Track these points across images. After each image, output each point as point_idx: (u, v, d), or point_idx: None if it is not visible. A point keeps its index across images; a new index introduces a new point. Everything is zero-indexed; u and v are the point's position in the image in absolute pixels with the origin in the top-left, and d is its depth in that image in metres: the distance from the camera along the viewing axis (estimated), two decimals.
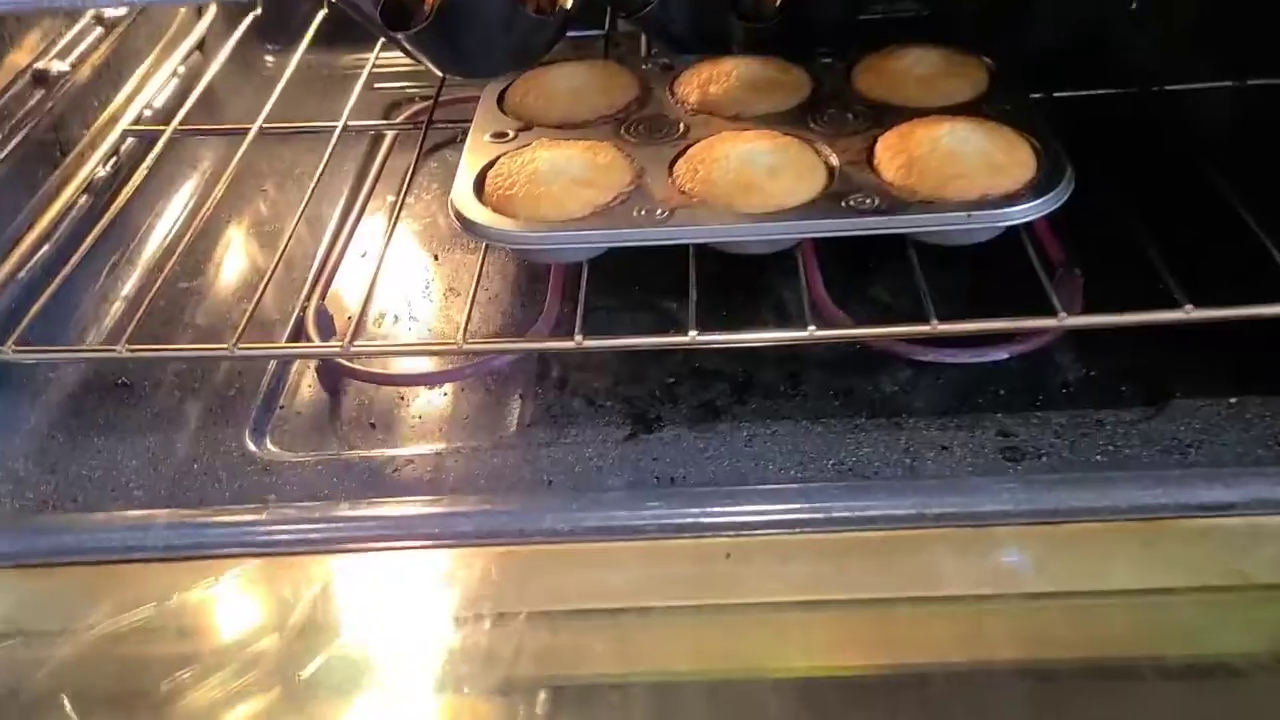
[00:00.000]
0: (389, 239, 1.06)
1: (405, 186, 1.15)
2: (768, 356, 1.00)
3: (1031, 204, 0.91)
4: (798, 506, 0.84)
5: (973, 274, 1.01)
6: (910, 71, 1.07)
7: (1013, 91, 1.06)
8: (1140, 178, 1.07)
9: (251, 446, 0.95)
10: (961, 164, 0.93)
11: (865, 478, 0.87)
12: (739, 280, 1.06)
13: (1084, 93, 1.18)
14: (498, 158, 1.02)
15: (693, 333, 0.90)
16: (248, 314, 0.95)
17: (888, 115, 1.03)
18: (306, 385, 1.03)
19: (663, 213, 0.93)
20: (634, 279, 1.09)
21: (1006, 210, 0.90)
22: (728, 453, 0.91)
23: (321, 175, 1.14)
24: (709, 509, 0.84)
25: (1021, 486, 0.84)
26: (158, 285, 1.01)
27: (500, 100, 1.13)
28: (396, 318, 1.11)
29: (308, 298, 1.07)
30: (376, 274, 1.02)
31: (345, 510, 0.87)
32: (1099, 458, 0.87)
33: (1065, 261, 1.01)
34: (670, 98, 1.10)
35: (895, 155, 0.96)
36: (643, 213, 0.93)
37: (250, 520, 0.87)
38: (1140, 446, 0.88)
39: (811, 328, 0.89)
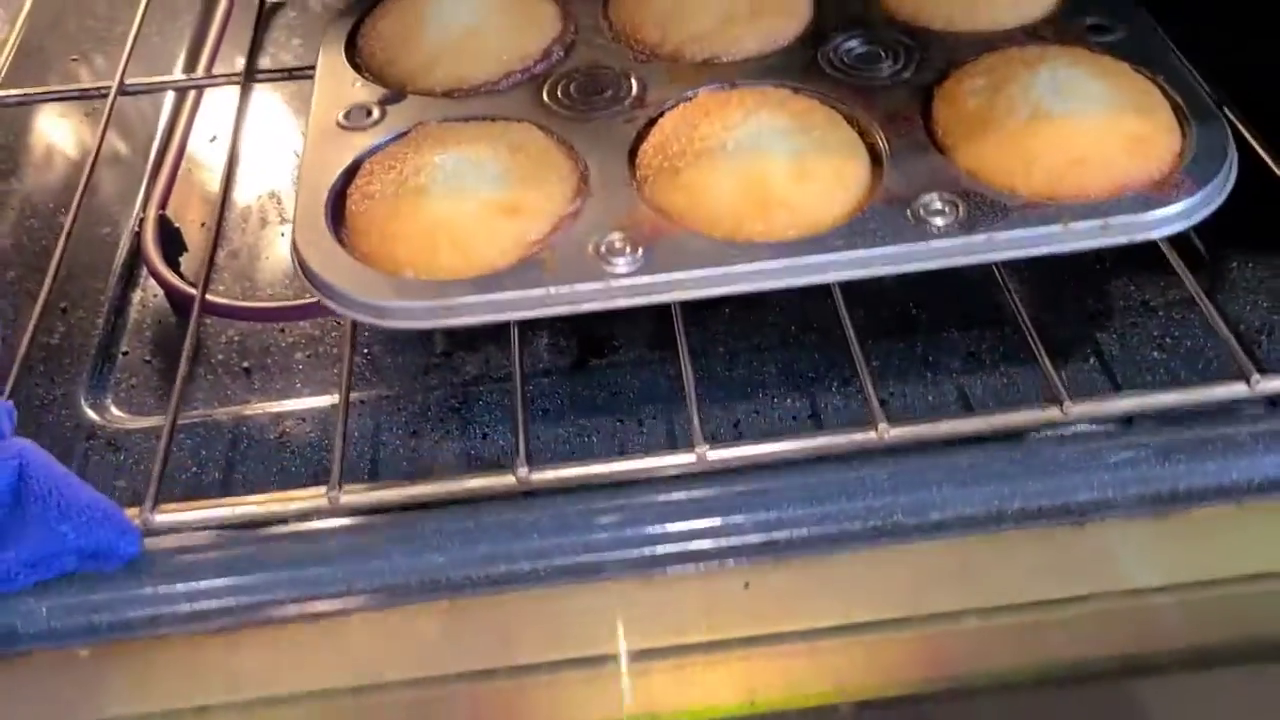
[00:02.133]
0: (241, 115, 0.82)
1: (256, 43, 0.89)
2: None
3: (1194, 198, 0.59)
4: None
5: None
6: None
7: None
8: None
9: (89, 412, 0.71)
10: (1082, 139, 0.60)
11: None
12: (739, 326, 0.73)
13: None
14: (360, 160, 0.66)
15: (702, 448, 0.58)
16: (65, 232, 0.72)
17: (935, 47, 0.70)
18: (154, 321, 0.78)
19: (632, 254, 0.59)
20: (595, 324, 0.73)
21: (1160, 214, 0.59)
22: None
23: (140, 33, 0.88)
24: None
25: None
26: None
27: (351, 45, 0.76)
28: (265, 220, 0.85)
29: (144, 205, 0.83)
30: (231, 165, 0.80)
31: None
32: None
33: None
34: (607, 30, 0.75)
35: (970, 123, 0.63)
36: (602, 251, 0.59)
37: None
38: None
39: (883, 425, 0.57)
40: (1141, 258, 0.66)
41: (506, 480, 0.57)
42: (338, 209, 0.64)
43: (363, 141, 0.67)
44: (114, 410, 0.72)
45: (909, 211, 0.60)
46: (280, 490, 0.62)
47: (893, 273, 0.59)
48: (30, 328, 0.68)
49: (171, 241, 0.81)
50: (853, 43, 0.71)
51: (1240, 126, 0.70)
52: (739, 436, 0.65)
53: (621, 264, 0.58)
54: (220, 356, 0.75)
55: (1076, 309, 0.71)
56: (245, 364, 0.74)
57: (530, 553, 0.57)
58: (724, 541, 0.58)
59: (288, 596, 0.57)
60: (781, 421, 0.66)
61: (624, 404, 0.68)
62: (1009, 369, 0.68)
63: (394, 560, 0.58)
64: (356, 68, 0.73)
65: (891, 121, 0.65)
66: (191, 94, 0.95)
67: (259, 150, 0.91)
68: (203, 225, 0.84)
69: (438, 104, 0.69)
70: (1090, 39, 0.69)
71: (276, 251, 0.83)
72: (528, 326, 0.70)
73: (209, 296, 0.73)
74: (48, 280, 0.70)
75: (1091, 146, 0.60)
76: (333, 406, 0.68)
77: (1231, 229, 0.64)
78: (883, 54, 0.70)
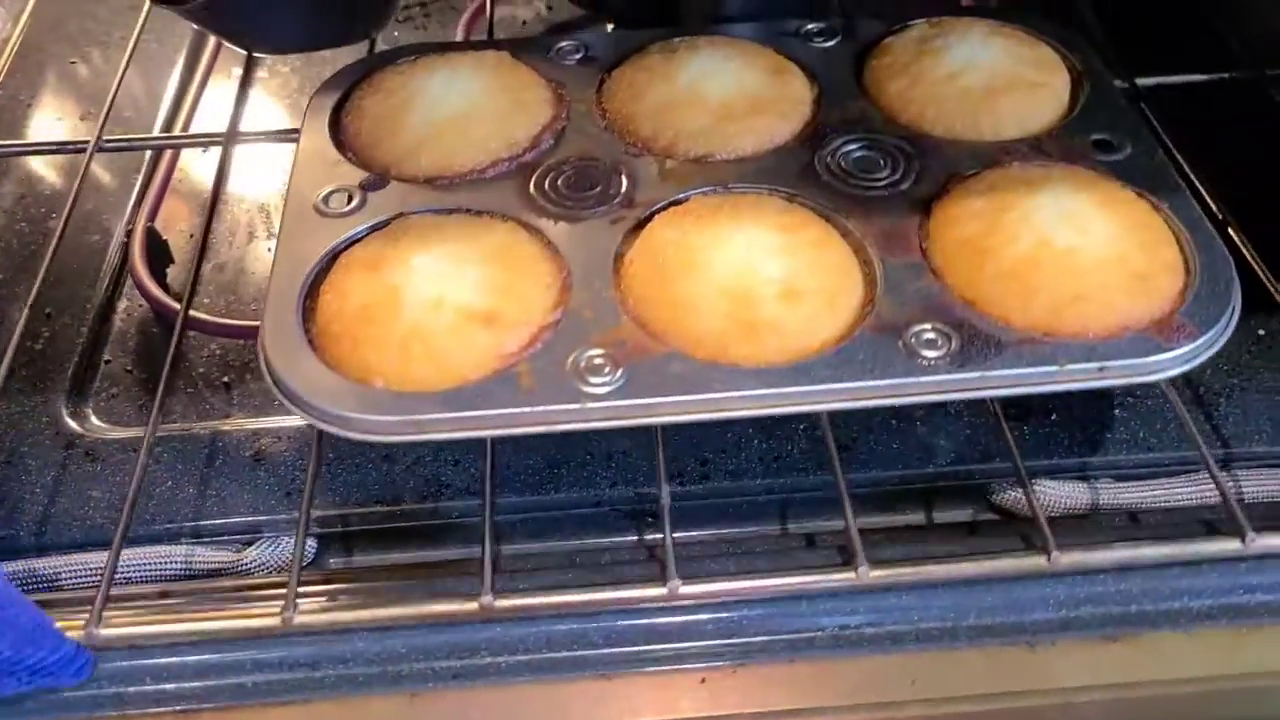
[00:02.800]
0: (234, 125, 0.82)
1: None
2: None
3: (1195, 343, 0.57)
4: None
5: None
6: (956, 80, 0.71)
7: (1112, 104, 0.71)
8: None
9: (69, 421, 0.71)
10: (1084, 274, 0.58)
11: None
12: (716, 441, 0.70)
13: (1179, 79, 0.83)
14: (336, 254, 0.64)
15: (673, 583, 0.55)
16: (56, 236, 0.72)
17: (935, 156, 0.68)
18: (137, 332, 0.78)
19: (612, 374, 0.57)
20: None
21: (1162, 358, 0.57)
22: None
23: (141, 40, 0.88)
24: None
25: None
26: None
27: (336, 116, 0.73)
28: (252, 234, 0.85)
29: (132, 218, 0.84)
30: (221, 179, 0.81)
31: None
32: None
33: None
34: (600, 118, 0.73)
35: (968, 250, 0.61)
36: (580, 369, 0.57)
37: None
38: None
39: (864, 568, 0.55)
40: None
41: (470, 608, 0.55)
42: (311, 297, 0.62)
43: (340, 230, 0.65)
44: (94, 420, 0.72)
45: (900, 342, 0.57)
46: (250, 514, 0.64)
47: (881, 405, 0.57)
48: (17, 333, 0.68)
49: (159, 254, 0.82)
50: (851, 145, 0.69)
51: (1244, 250, 0.69)
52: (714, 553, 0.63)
53: (600, 384, 0.56)
54: (201, 370, 0.75)
55: (1068, 451, 0.69)
56: (225, 379, 0.74)
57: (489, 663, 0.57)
58: (685, 649, 0.58)
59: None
60: (757, 543, 0.64)
61: (597, 520, 0.66)
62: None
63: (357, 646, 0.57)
64: (339, 144, 0.71)
65: (887, 240, 0.63)
66: (188, 101, 0.95)
67: (250, 162, 0.91)
68: (191, 236, 0.84)
69: (420, 193, 0.67)
70: (1094, 156, 0.67)
71: (262, 267, 0.82)
72: None
73: (192, 311, 0.73)
74: (35, 285, 0.70)
75: (1092, 284, 0.58)
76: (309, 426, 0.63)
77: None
78: (881, 160, 0.68)
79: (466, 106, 0.70)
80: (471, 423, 0.56)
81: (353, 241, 0.64)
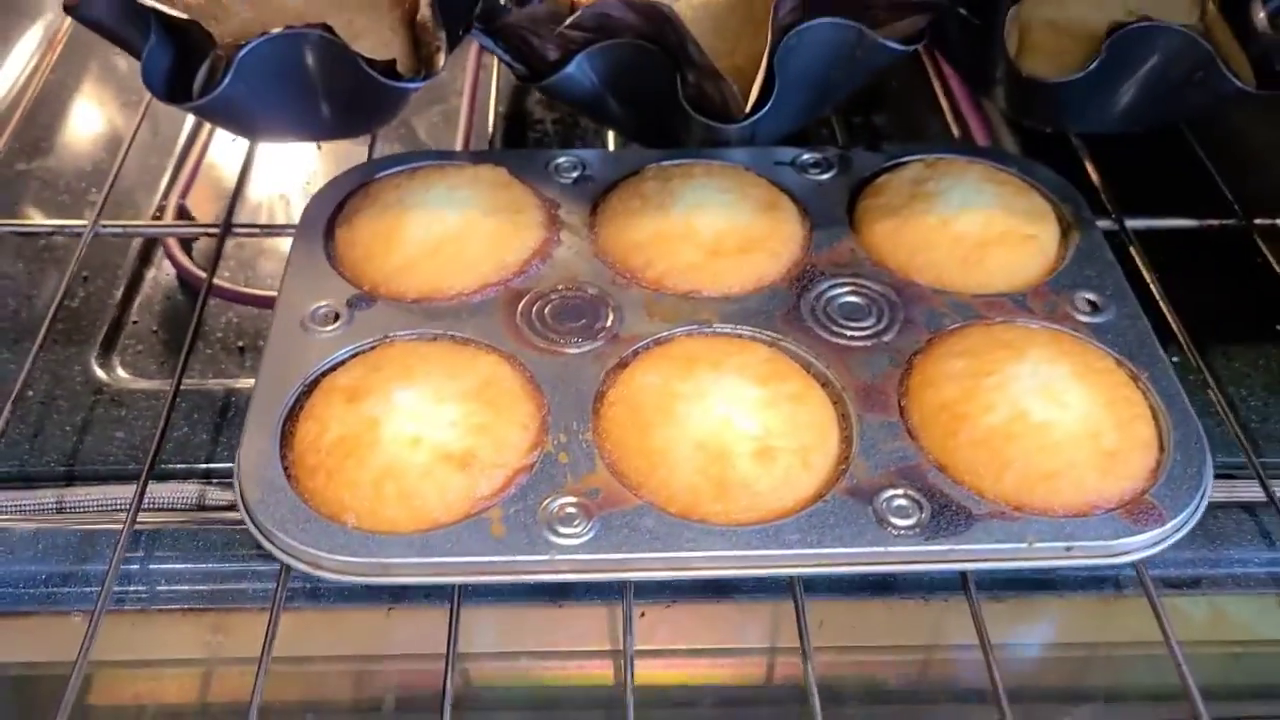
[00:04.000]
0: (230, 216, 0.84)
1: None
2: None
3: (1162, 528, 0.58)
4: None
5: None
6: (948, 228, 0.72)
7: (1099, 259, 0.72)
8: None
9: (99, 371, 0.79)
10: (1056, 450, 0.59)
11: None
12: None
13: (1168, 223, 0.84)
14: (317, 380, 0.64)
15: None
16: (98, 203, 0.82)
17: (920, 306, 0.69)
18: (163, 297, 0.86)
19: (583, 525, 0.57)
20: None
21: (1129, 541, 0.57)
22: None
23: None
24: None
25: None
26: None
27: (330, 228, 0.74)
28: (272, 218, 0.94)
29: (165, 195, 0.92)
30: (247, 166, 0.87)
31: None
32: None
33: None
34: (591, 244, 0.73)
35: (945, 415, 0.61)
36: (551, 518, 0.57)
37: None
38: None
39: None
40: None
41: None
42: (291, 419, 0.62)
43: (325, 350, 0.65)
44: (120, 372, 0.80)
45: (871, 508, 0.58)
46: None
47: (850, 573, 0.57)
48: (59, 292, 0.76)
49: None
50: (838, 290, 0.69)
51: (1227, 418, 0.69)
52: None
53: (570, 534, 0.56)
54: (219, 335, 0.83)
55: None
56: (240, 343, 0.82)
57: None
58: None
59: None
60: None
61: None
62: None
63: None
64: (331, 255, 0.72)
65: (866, 395, 0.63)
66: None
67: (274, 155, 0.98)
68: (216, 216, 0.89)
69: (407, 314, 0.67)
70: (1077, 316, 0.68)
71: (279, 248, 0.89)
72: None
73: (215, 280, 0.80)
74: (78, 252, 0.79)
75: (1065, 461, 0.58)
76: None
77: None
78: (866, 307, 0.69)
79: (460, 226, 0.71)
80: (438, 569, 0.56)
81: (336, 366, 0.65)
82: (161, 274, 0.88)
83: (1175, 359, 0.68)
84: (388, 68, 0.77)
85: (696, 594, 0.66)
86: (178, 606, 0.66)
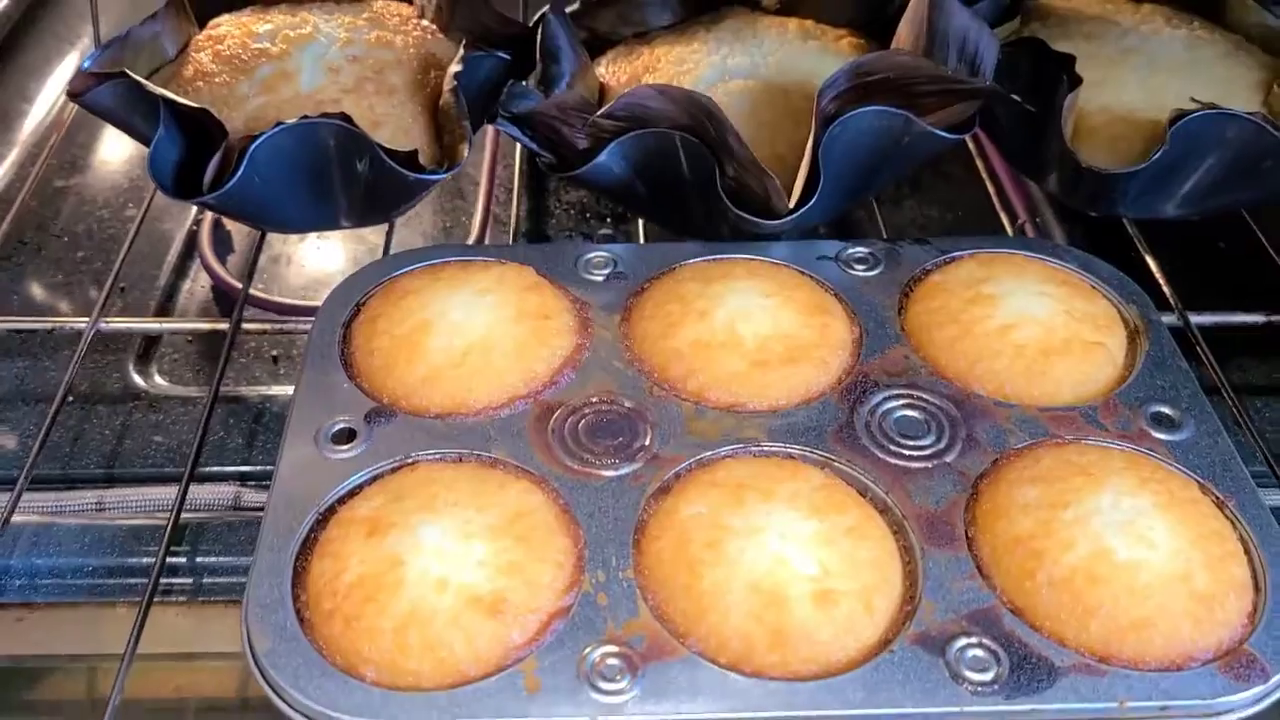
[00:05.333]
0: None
1: (246, 290, 0.86)
2: None
3: (1266, 684, 0.52)
4: None
5: None
6: (1008, 335, 0.66)
7: (1171, 368, 0.67)
8: None
9: (136, 378, 0.84)
10: (1146, 595, 0.53)
11: None
12: None
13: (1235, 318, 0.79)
14: (332, 509, 0.59)
15: None
16: (136, 223, 0.87)
17: (984, 422, 0.63)
18: (200, 307, 0.91)
19: (626, 678, 0.52)
20: None
21: (1232, 700, 0.52)
22: None
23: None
24: None
25: None
26: (30, 183, 0.92)
27: (346, 332, 0.69)
28: (303, 234, 0.95)
29: (200, 213, 0.96)
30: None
31: None
32: None
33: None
34: (625, 351, 0.68)
35: (1020, 551, 0.56)
36: (592, 667, 0.52)
37: None
38: None
39: None
40: None
41: None
42: (304, 555, 0.57)
43: (341, 472, 0.60)
44: (157, 379, 0.84)
45: (944, 661, 0.52)
46: None
47: None
48: (100, 302, 0.79)
49: (222, 242, 0.95)
50: (893, 403, 0.64)
51: None
52: None
53: (613, 690, 0.51)
54: (252, 344, 0.87)
55: None
56: (274, 353, 0.86)
57: None
58: None
59: None
60: None
61: None
62: None
63: None
64: (346, 365, 0.67)
65: (929, 525, 0.58)
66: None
67: None
68: (248, 232, 0.93)
69: (430, 432, 0.62)
70: (1153, 433, 0.63)
71: (310, 260, 0.95)
72: None
73: (251, 290, 0.82)
74: (116, 264, 0.82)
75: (1155, 607, 0.53)
76: None
77: None
78: (925, 422, 0.63)
79: (485, 334, 0.65)
80: None
81: (352, 493, 0.59)
82: (196, 285, 0.93)
83: (1257, 472, 0.63)
84: (409, 158, 0.72)
85: None
86: (220, 599, 0.70)
